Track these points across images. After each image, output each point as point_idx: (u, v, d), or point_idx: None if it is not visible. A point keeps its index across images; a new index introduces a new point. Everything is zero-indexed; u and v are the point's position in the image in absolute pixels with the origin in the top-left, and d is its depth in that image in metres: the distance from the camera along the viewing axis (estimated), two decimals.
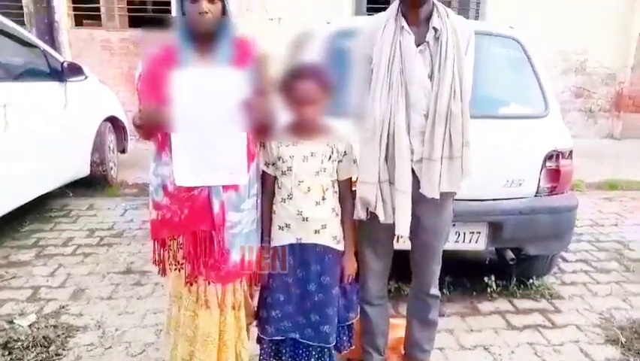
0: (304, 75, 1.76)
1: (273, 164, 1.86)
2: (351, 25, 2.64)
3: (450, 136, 1.77)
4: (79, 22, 6.76)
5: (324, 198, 1.84)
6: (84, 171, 4.60)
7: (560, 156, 2.68)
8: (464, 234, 2.67)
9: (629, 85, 7.44)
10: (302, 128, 1.83)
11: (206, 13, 1.63)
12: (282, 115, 1.85)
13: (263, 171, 1.88)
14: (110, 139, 4.99)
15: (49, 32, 6.37)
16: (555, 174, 2.70)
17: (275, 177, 1.89)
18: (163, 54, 1.74)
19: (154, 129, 1.72)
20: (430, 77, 1.78)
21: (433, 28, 1.77)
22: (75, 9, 6.62)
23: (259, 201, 1.87)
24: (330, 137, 1.86)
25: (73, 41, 6.51)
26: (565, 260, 3.48)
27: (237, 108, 1.67)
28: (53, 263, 3.38)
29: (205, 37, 1.70)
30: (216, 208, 1.74)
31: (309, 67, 1.80)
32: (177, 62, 1.70)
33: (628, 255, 3.64)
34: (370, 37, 1.84)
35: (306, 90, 1.74)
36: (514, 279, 3.03)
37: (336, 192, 1.90)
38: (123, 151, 5.32)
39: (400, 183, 1.80)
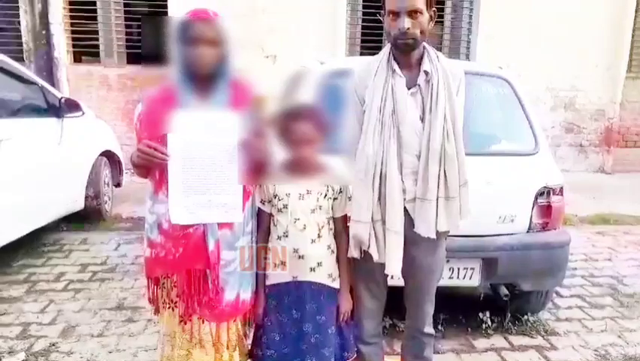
0: (301, 116, 1.80)
1: (269, 201, 1.89)
2: (345, 65, 2.71)
3: (445, 176, 1.81)
4: (78, 58, 6.87)
5: (319, 236, 1.86)
6: (79, 205, 4.60)
7: (551, 193, 2.73)
8: (458, 270, 2.69)
9: (618, 120, 7.60)
10: (298, 167, 1.86)
11: (207, 62, 1.68)
12: (279, 153, 1.89)
13: (258, 208, 1.90)
14: (106, 173, 5.01)
15: (48, 68, 6.46)
16: (547, 210, 2.74)
17: (271, 215, 1.91)
18: (162, 95, 1.79)
19: (151, 168, 1.75)
20: (422, 118, 1.83)
21: (424, 71, 1.83)
22: (74, 46, 6.74)
23: (254, 239, 1.88)
24: (326, 176, 1.89)
25: (71, 77, 6.60)
26: (559, 295, 3.48)
27: (234, 149, 1.71)
28: (44, 299, 3.34)
29: (203, 80, 1.75)
30: (211, 246, 1.76)
31: (306, 108, 1.85)
32: (176, 103, 1.74)
33: (622, 290, 3.65)
34: (363, 80, 1.90)
35: (303, 131, 1.78)
36: (509, 315, 3.03)
37: (331, 229, 1.92)
38: (118, 185, 5.34)
39: (391, 222, 1.82)
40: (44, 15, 6.32)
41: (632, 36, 7.43)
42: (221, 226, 1.77)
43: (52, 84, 6.45)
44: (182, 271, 1.78)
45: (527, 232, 2.74)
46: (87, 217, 4.81)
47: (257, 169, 1.83)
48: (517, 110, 2.90)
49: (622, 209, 5.65)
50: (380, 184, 1.84)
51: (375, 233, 1.85)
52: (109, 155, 5.06)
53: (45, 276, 3.73)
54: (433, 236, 1.84)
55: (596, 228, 5.20)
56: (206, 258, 1.76)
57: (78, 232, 4.69)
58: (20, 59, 6.35)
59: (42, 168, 3.98)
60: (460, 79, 1.91)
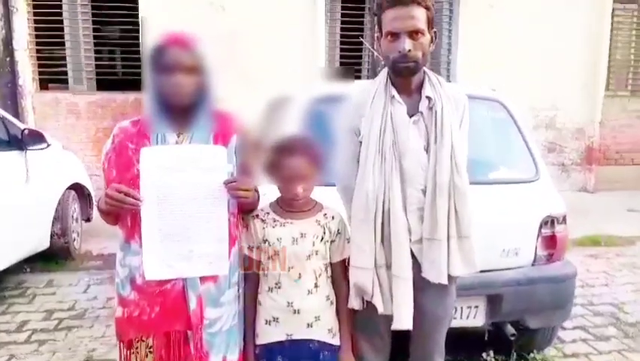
0: (293, 150, 1.59)
1: (258, 247, 1.66)
2: (334, 91, 2.52)
3: (456, 213, 1.61)
4: (44, 86, 6.55)
5: (316, 286, 1.64)
6: (44, 244, 4.26)
7: (555, 222, 2.57)
8: (461, 309, 2.48)
9: (599, 139, 7.61)
10: (291, 206, 1.65)
11: (183, 92, 1.46)
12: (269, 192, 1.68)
13: (245, 255, 1.67)
14: (74, 208, 4.69)
15: (12, 97, 6.13)
16: (551, 241, 2.57)
17: (260, 262, 1.67)
18: (133, 129, 1.56)
19: (121, 215, 1.51)
20: (427, 149, 1.64)
21: (427, 97, 1.65)
22: (41, 73, 6.43)
23: (241, 291, 1.65)
24: (322, 215, 1.68)
25: (37, 105, 6.27)
26: (562, 328, 3.29)
27: (216, 189, 1.49)
28: (4, 353, 2.99)
29: (181, 111, 1.53)
30: (193, 304, 1.52)
31: (298, 141, 1.64)
32: (150, 138, 1.52)
33: (624, 319, 3.49)
34: (358, 108, 1.71)
35: (295, 166, 1.58)
36: (514, 354, 2.83)
37: (329, 277, 1.70)
38: (88, 220, 5.00)
39: (398, 268, 1.61)
40: (8, 41, 6.01)
41: (609, 54, 7.51)
42: (203, 279, 1.53)
43: (17, 113, 6.13)
44: (160, 333, 1.54)
45: (532, 264, 2.56)
46: (53, 256, 4.46)
47: (244, 211, 1.62)
48: (514, 135, 2.75)
49: (610, 229, 5.56)
50: (383, 223, 1.63)
51: (379, 281, 1.64)
52: (77, 188, 4.74)
53: (6, 326, 3.38)
54: (444, 282, 1.64)
55: (587, 250, 5.07)
56: (187, 317, 1.53)
57: (43, 272, 4.33)
58: None
59: (4, 205, 3.65)
60: (464, 105, 1.74)
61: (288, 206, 1.64)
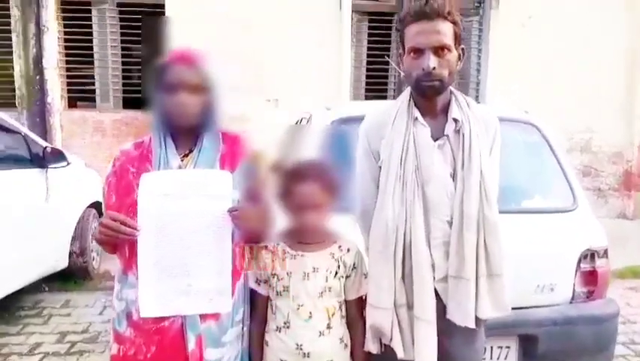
0: (305, 175, 1.46)
1: (266, 281, 1.52)
2: (355, 111, 2.39)
3: (486, 248, 1.45)
4: (72, 103, 6.63)
5: (329, 327, 1.48)
6: (62, 263, 4.21)
7: (596, 256, 2.35)
8: (491, 349, 2.27)
9: (638, 163, 7.24)
10: (303, 238, 1.51)
11: (188, 112, 1.36)
12: (279, 221, 1.54)
13: (252, 290, 1.53)
14: (94, 226, 4.64)
15: (41, 114, 6.21)
16: (591, 277, 2.35)
17: (268, 298, 1.53)
18: (136, 152, 1.45)
19: (118, 244, 1.40)
20: (453, 176, 1.48)
21: (453, 119, 1.50)
22: (69, 91, 6.52)
23: (246, 329, 1.51)
24: (336, 247, 1.53)
25: (65, 123, 6.34)
26: None
27: (220, 217, 1.36)
28: None
29: (186, 132, 1.42)
30: (191, 344, 1.38)
31: (311, 166, 1.51)
32: (150, 161, 1.41)
33: None
34: (378, 130, 1.57)
35: (308, 193, 1.44)
36: None
37: (344, 316, 1.54)
38: None
39: (420, 308, 1.45)
40: (39, 60, 6.12)
41: None
42: (204, 317, 1.40)
43: (45, 130, 6.20)
44: None
45: (570, 302, 2.34)
46: (72, 276, 4.41)
47: (253, 241, 1.48)
48: (550, 160, 2.55)
49: None
50: (404, 258, 1.47)
51: (399, 322, 1.48)
52: (98, 206, 4.70)
53: (19, 348, 3.31)
54: (472, 325, 1.46)
55: (627, 283, 4.75)
56: (185, 358, 1.38)
57: (61, 292, 4.28)
58: (12, 105, 6.12)
59: (24, 223, 3.63)
60: (495, 128, 1.58)
61: (300, 237, 1.50)
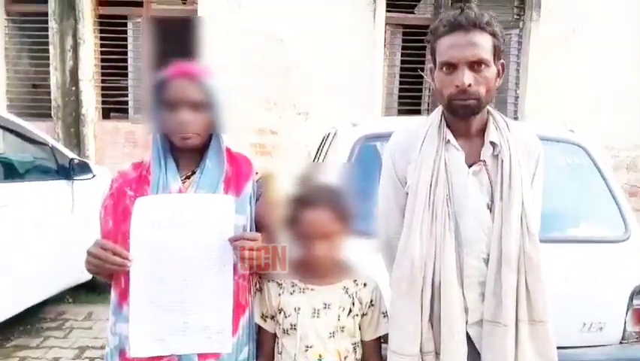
0: (314, 201, 1.31)
1: (272, 317, 1.37)
2: (383, 128, 2.24)
3: (527, 290, 1.26)
4: (106, 115, 6.72)
5: None
6: (86, 275, 4.15)
7: None
8: None
9: None
10: (313, 270, 1.35)
11: (189, 132, 1.24)
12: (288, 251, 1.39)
13: (258, 326, 1.38)
14: None
15: (75, 125, 6.31)
16: None
17: (275, 336, 1.38)
18: (132, 173, 1.34)
19: (109, 275, 1.28)
20: (490, 207, 1.30)
21: (491, 143, 1.32)
22: (104, 102, 6.60)
23: None
24: (350, 281, 1.37)
25: (98, 134, 6.43)
26: None
27: (221, 247, 1.22)
28: None
29: (187, 153, 1.30)
30: None
31: (321, 190, 1.35)
32: (149, 183, 1.29)
33: None
34: (404, 152, 1.40)
35: (316, 221, 1.29)
36: None
37: (358, 359, 1.37)
38: None
39: (448, 357, 1.26)
40: (75, 72, 6.23)
41: None
42: (203, 357, 1.26)
43: (79, 141, 6.29)
44: None
45: (620, 342, 2.10)
46: (95, 287, 4.38)
47: (259, 274, 1.34)
48: (599, 185, 2.32)
49: None
50: (432, 299, 1.30)
51: None
52: None
53: None
54: None
55: None
56: None
57: (84, 304, 4.26)
58: (48, 115, 6.23)
59: (50, 234, 3.63)
60: (538, 154, 1.39)
61: (309, 269, 1.34)
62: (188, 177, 1.32)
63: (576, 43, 6.43)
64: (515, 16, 6.56)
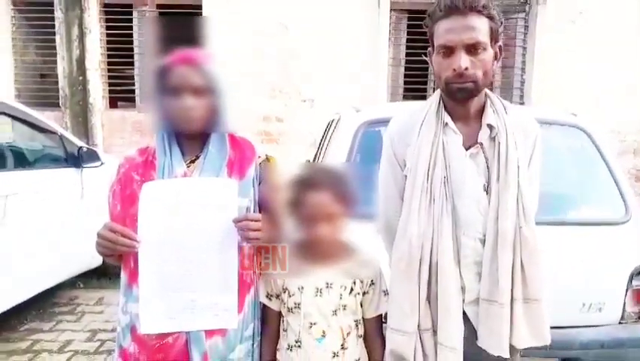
0: (318, 185, 1.34)
1: (277, 296, 1.42)
2: (385, 113, 2.26)
3: (523, 270, 1.29)
4: (113, 104, 6.77)
5: (344, 347, 1.37)
6: (97, 260, 4.26)
7: None
8: None
9: None
10: (315, 251, 1.39)
11: (192, 116, 1.28)
12: (290, 232, 1.43)
13: (264, 305, 1.44)
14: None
15: (82, 114, 6.37)
16: None
17: (280, 314, 1.43)
18: (140, 159, 1.38)
19: (120, 256, 1.33)
20: (487, 189, 1.34)
21: (488, 125, 1.34)
22: (111, 91, 6.65)
23: (256, 346, 1.41)
24: (352, 261, 1.41)
25: (105, 123, 6.48)
26: None
27: (225, 228, 1.27)
28: None
29: (190, 138, 1.34)
30: None
31: (324, 174, 1.39)
32: (155, 168, 1.33)
33: None
34: (403, 136, 1.43)
35: (319, 203, 1.33)
36: None
37: (360, 336, 1.42)
38: None
39: (445, 334, 1.31)
40: (81, 61, 6.27)
41: None
42: (210, 333, 1.31)
43: (87, 129, 6.36)
44: None
45: (620, 323, 2.14)
46: (106, 273, 4.47)
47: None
48: (600, 168, 2.34)
49: None
50: (430, 279, 1.34)
51: (422, 348, 1.34)
52: None
53: (50, 344, 3.36)
54: (505, 355, 1.31)
55: None
56: None
57: (95, 289, 4.36)
58: (56, 105, 6.29)
59: (60, 221, 3.72)
60: (535, 136, 1.42)
61: (312, 250, 1.39)
62: (193, 162, 1.36)
63: (583, 26, 6.37)
64: (521, 0, 6.51)
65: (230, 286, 1.30)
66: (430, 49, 1.41)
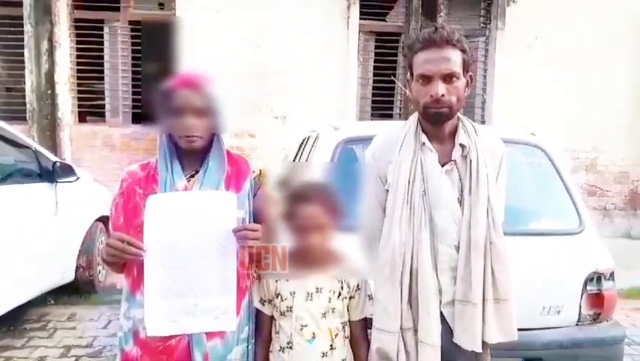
0: (308, 197, 1.48)
1: (270, 301, 1.53)
2: (362, 132, 2.42)
3: (493, 273, 1.45)
4: (82, 118, 6.72)
5: (332, 348, 1.49)
6: (68, 276, 4.24)
7: (602, 278, 2.35)
8: None
9: None
10: (306, 258, 1.52)
11: (194, 135, 1.40)
12: (283, 241, 1.56)
13: (257, 309, 1.55)
14: (101, 240, 4.68)
15: (51, 128, 6.29)
16: (598, 300, 2.35)
17: (272, 318, 1.54)
18: (142, 173, 1.48)
19: (126, 264, 1.42)
20: (460, 201, 1.50)
21: (460, 145, 1.51)
22: (80, 106, 6.61)
23: (250, 348, 1.52)
24: (340, 268, 1.54)
25: (74, 137, 6.42)
26: None
27: (225, 238, 1.38)
28: None
29: (191, 154, 1.46)
30: None
31: (314, 188, 1.52)
32: (157, 182, 1.44)
33: None
34: (385, 154, 1.59)
35: (311, 215, 1.46)
36: None
37: (347, 337, 1.55)
38: None
39: (425, 333, 1.45)
40: (50, 75, 6.22)
41: None
42: (210, 335, 1.41)
43: (55, 145, 6.28)
44: None
45: (576, 325, 2.34)
46: (77, 289, 4.43)
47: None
48: (556, 183, 2.56)
49: None
50: (410, 283, 1.48)
51: (405, 346, 1.48)
52: (105, 220, 4.74)
53: None
54: (478, 349, 1.46)
55: (632, 303, 4.70)
56: None
57: (66, 305, 4.30)
58: (23, 119, 6.21)
59: (31, 238, 3.66)
60: (501, 154, 1.60)
61: (303, 257, 1.51)
62: (192, 176, 1.47)
63: (539, 50, 6.79)
64: (482, 25, 6.88)
65: (230, 291, 1.41)
66: (408, 77, 1.58)
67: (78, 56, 6.47)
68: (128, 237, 1.35)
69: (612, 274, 2.40)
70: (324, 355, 1.47)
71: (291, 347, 1.48)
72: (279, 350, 1.50)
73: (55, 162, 3.92)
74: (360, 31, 6.63)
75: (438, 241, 1.49)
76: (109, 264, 1.43)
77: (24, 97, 6.22)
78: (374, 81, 6.92)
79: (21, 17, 6.08)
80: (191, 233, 1.38)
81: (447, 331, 1.49)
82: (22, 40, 6.13)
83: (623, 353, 2.46)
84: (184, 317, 1.38)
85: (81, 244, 4.33)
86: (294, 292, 1.49)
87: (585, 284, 2.33)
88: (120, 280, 4.41)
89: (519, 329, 2.24)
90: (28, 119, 6.23)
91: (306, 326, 1.48)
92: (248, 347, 1.50)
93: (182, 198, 1.42)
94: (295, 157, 4.09)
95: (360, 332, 1.57)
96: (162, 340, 1.40)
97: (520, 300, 2.16)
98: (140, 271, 1.41)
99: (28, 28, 6.09)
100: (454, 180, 1.51)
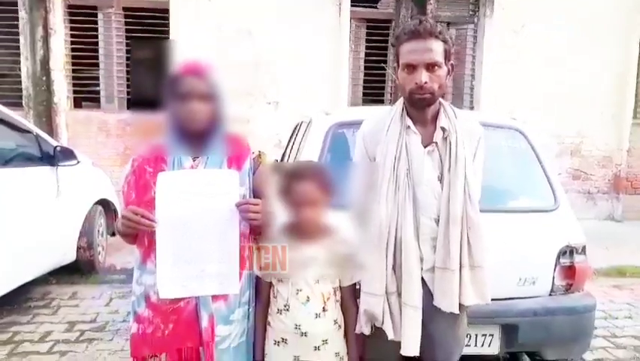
0: (303, 176, 1.64)
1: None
2: (352, 117, 2.58)
3: (469, 243, 1.63)
4: (78, 104, 6.81)
5: (324, 310, 1.66)
6: (70, 256, 4.38)
7: (574, 252, 2.53)
8: (476, 336, 2.45)
9: (627, 167, 7.46)
10: (301, 231, 1.68)
11: (198, 119, 1.53)
12: (280, 215, 1.72)
13: (257, 277, 1.71)
14: (100, 222, 4.82)
15: (47, 114, 6.38)
16: (570, 271, 2.53)
17: (271, 284, 1.71)
18: (151, 154, 1.63)
19: (138, 235, 1.58)
20: (440, 179, 1.67)
21: (441, 128, 1.68)
22: (75, 92, 6.69)
23: (250, 310, 1.69)
24: (332, 239, 1.71)
25: (70, 123, 6.52)
26: (583, 360, 3.22)
27: (228, 211, 1.54)
28: None
29: (196, 137, 1.60)
30: (204, 322, 1.56)
31: (309, 167, 1.68)
32: (165, 161, 1.59)
33: None
34: (374, 136, 1.75)
35: (306, 191, 1.62)
36: None
37: (338, 301, 1.72)
38: (114, 234, 5.12)
39: (408, 296, 1.63)
40: (46, 61, 6.29)
41: (637, 82, 7.40)
42: (215, 298, 1.58)
43: (51, 130, 6.37)
44: (172, 350, 1.59)
45: (550, 295, 2.53)
46: (78, 269, 4.58)
47: (257, 233, 1.66)
48: (534, 164, 2.74)
49: (637, 260, 5.41)
50: (395, 251, 1.65)
51: (389, 308, 1.65)
52: (104, 203, 4.89)
53: (30, 335, 3.47)
54: (456, 311, 1.64)
55: (611, 281, 4.94)
56: (198, 335, 1.57)
57: (68, 285, 4.44)
58: (19, 105, 6.28)
59: (33, 220, 3.79)
60: (478, 136, 1.76)
61: (299, 230, 1.67)
62: (197, 157, 1.62)
63: (526, 37, 6.95)
64: (470, 12, 7.01)
65: (233, 258, 1.57)
66: (395, 65, 1.73)
67: (73, 43, 6.54)
68: (141, 210, 1.50)
69: (584, 248, 2.57)
70: (317, 316, 1.64)
71: (287, 309, 1.65)
72: (277, 312, 1.67)
73: (57, 146, 4.04)
74: (351, 18, 6.74)
75: (420, 214, 1.66)
76: (123, 235, 1.58)
77: (20, 83, 6.29)
78: (365, 68, 7.05)
79: (16, 4, 6.13)
80: (198, 207, 1.54)
81: (427, 294, 1.66)
82: (17, 26, 6.18)
83: (594, 321, 2.65)
84: (192, 281, 1.54)
85: (82, 226, 4.47)
86: (290, 261, 1.66)
87: (558, 257, 2.50)
88: (119, 261, 4.58)
89: (497, 299, 2.45)
90: (24, 105, 6.31)
91: (301, 290, 1.65)
92: (249, 309, 1.67)
93: (189, 175, 1.57)
94: (288, 142, 4.24)
95: (349, 297, 1.74)
96: (172, 302, 1.56)
97: (498, 272, 2.36)
98: (150, 241, 1.56)
99: (22, 14, 6.14)
100: (435, 159, 1.68)
